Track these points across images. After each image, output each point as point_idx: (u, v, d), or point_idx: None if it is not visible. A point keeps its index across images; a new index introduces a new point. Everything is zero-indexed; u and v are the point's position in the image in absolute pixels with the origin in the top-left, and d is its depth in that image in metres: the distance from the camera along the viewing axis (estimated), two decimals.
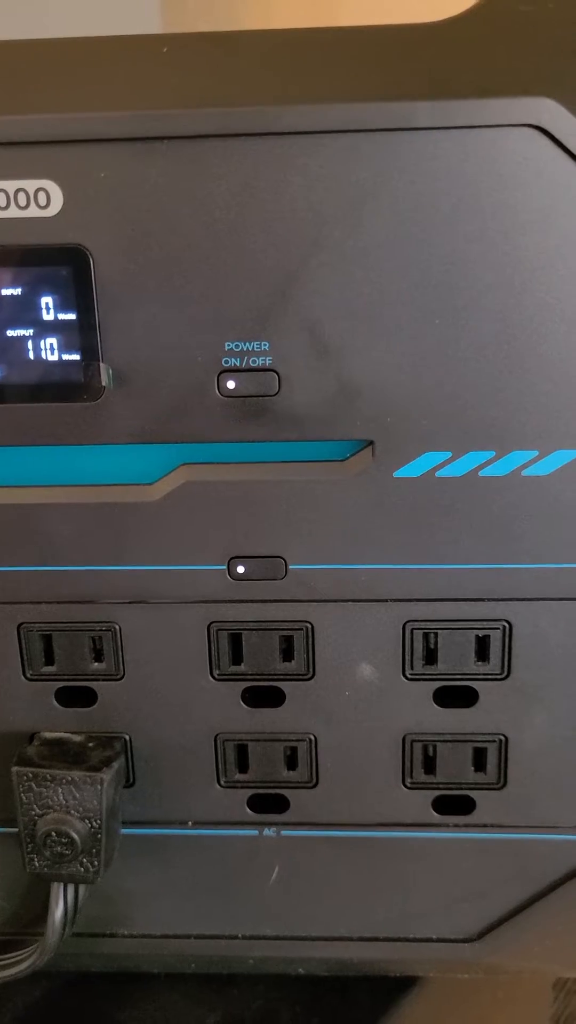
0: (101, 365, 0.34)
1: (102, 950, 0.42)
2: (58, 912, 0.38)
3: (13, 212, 0.32)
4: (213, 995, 0.44)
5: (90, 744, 0.38)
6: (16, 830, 0.39)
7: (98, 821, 0.36)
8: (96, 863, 0.37)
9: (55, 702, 0.38)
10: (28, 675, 0.38)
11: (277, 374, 0.34)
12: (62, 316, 0.34)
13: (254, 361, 0.34)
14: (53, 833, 0.36)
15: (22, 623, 0.37)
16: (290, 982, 0.44)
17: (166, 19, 1.15)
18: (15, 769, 0.36)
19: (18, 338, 0.34)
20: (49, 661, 0.38)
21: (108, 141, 0.32)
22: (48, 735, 0.38)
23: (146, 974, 0.44)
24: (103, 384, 0.34)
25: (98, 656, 0.38)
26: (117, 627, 0.37)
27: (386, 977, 0.44)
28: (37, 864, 0.37)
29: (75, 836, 0.36)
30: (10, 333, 0.34)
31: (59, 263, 0.33)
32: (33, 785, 0.36)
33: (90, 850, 0.37)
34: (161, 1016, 0.44)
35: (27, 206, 0.32)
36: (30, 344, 0.34)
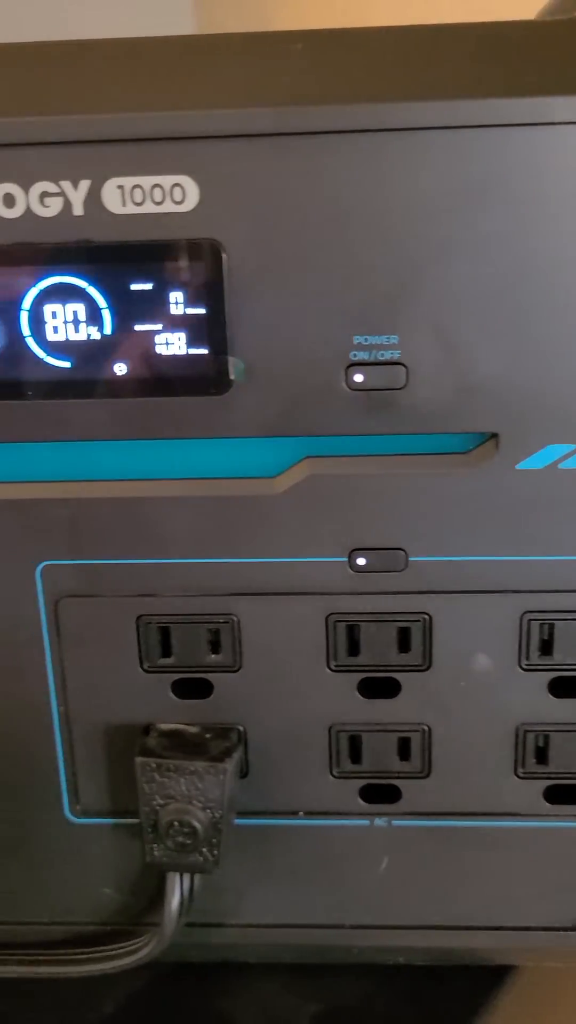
0: (230, 359, 0.34)
1: (208, 940, 0.42)
2: (175, 902, 0.38)
3: (148, 207, 0.33)
4: (309, 985, 0.44)
5: (207, 735, 0.38)
6: (126, 821, 0.40)
7: (219, 811, 0.37)
8: (215, 853, 0.37)
9: (171, 694, 0.38)
10: (145, 667, 0.38)
11: (405, 367, 0.34)
12: (191, 310, 0.34)
13: (383, 354, 0.34)
14: (176, 823, 0.37)
15: (141, 615, 0.37)
16: (381, 971, 0.45)
17: (199, 19, 1.15)
18: (139, 760, 0.37)
19: (148, 332, 0.34)
20: (166, 653, 0.38)
21: (244, 137, 0.32)
22: (164, 726, 0.38)
23: (239, 964, 0.45)
24: (231, 378, 0.34)
25: (215, 648, 0.38)
26: (236, 619, 0.37)
27: (482, 966, 0.44)
28: (157, 854, 0.37)
29: (197, 826, 0.36)
30: (141, 327, 0.34)
31: (192, 257, 0.33)
32: (156, 775, 0.37)
33: (210, 840, 0.37)
34: (260, 1006, 0.44)
35: (162, 201, 0.33)
36: (159, 338, 0.34)
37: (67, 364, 0.35)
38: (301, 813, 0.40)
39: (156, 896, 0.41)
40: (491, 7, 0.45)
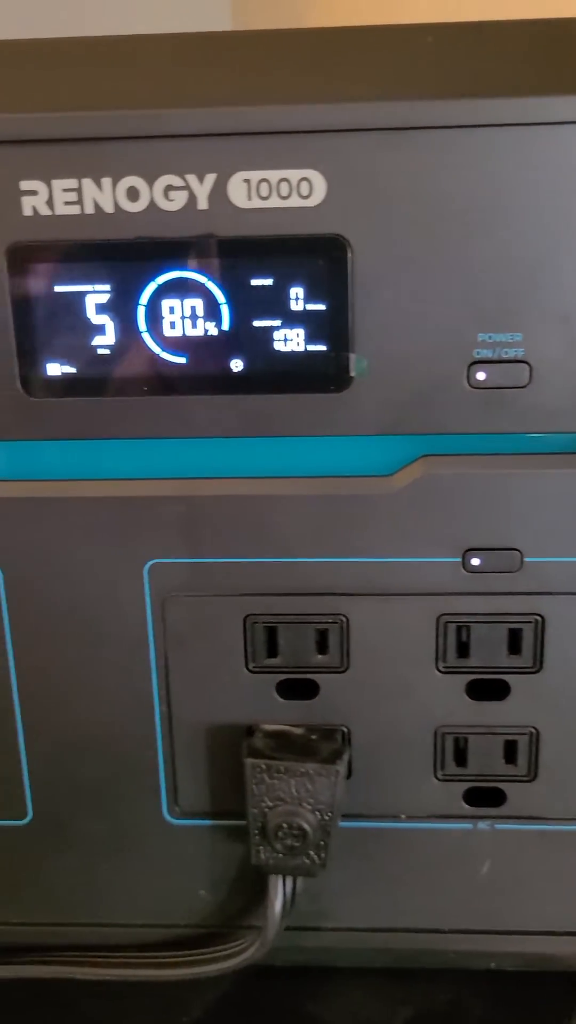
0: (351, 355, 0.34)
1: (303, 943, 0.41)
2: (278, 905, 0.38)
3: (274, 202, 0.32)
4: (399, 989, 0.44)
5: (313, 737, 0.38)
6: (224, 822, 0.40)
7: (329, 814, 0.36)
8: (322, 856, 0.37)
9: (276, 694, 0.38)
10: (251, 667, 0.38)
11: (529, 365, 0.33)
12: (312, 306, 0.33)
13: (506, 352, 0.33)
14: (285, 825, 0.36)
15: (248, 615, 0.37)
16: (469, 976, 0.44)
17: (235, 16, 1.15)
18: (249, 761, 0.36)
19: (266, 328, 0.34)
20: (272, 653, 0.38)
21: (374, 131, 0.31)
22: (269, 727, 0.38)
23: (324, 967, 0.44)
24: (352, 374, 0.34)
25: (322, 648, 0.37)
26: (344, 619, 0.37)
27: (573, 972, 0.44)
28: (264, 856, 0.37)
29: (307, 828, 0.36)
30: (260, 323, 0.34)
31: (318, 253, 0.33)
32: (266, 777, 0.36)
33: (318, 843, 0.37)
34: (351, 1010, 0.44)
35: (289, 196, 0.32)
36: (278, 334, 0.34)
37: (183, 360, 0.34)
38: (403, 816, 0.39)
39: (251, 898, 0.41)
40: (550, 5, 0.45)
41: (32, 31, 0.37)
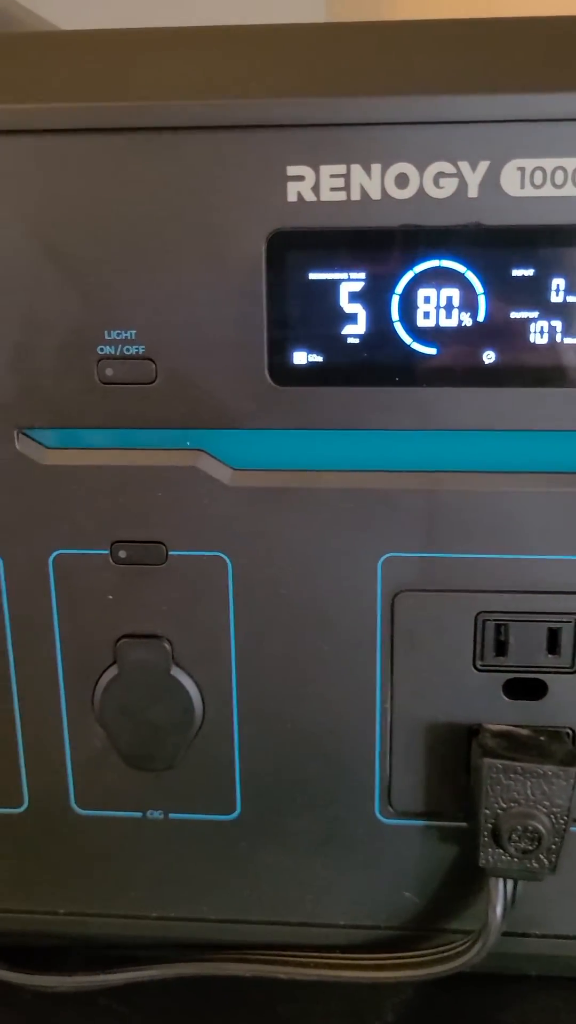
0: None
1: (511, 950, 0.41)
2: (499, 908, 0.37)
3: (547, 191, 0.32)
4: None
5: (542, 738, 0.37)
6: (436, 823, 0.39)
7: (564, 818, 0.36)
8: (552, 860, 0.36)
9: (503, 694, 0.37)
10: (479, 665, 0.37)
11: None
12: (572, 298, 0.33)
13: None
14: (519, 828, 0.35)
15: (480, 612, 0.36)
16: None
17: (329, 8, 1.14)
18: (487, 760, 0.35)
19: (523, 320, 0.33)
20: (501, 652, 0.37)
21: None
22: (495, 727, 0.37)
23: (513, 975, 0.43)
24: None
25: (552, 648, 0.37)
26: None
27: None
28: (493, 859, 0.36)
29: (543, 832, 0.35)
30: (517, 315, 0.33)
31: None
32: (501, 778, 0.35)
33: (550, 847, 0.36)
34: (542, 1018, 0.43)
35: (563, 184, 0.32)
36: (534, 326, 0.33)
37: (433, 351, 0.34)
38: None
39: (458, 902, 0.40)
40: None
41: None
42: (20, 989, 0.44)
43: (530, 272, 0.33)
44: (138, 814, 0.40)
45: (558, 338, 0.33)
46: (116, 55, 0.35)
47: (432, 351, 0.34)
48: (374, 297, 0.33)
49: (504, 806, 0.36)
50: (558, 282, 0.33)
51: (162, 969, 0.42)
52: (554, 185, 0.32)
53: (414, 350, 0.34)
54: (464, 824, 0.39)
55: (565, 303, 0.33)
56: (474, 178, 0.32)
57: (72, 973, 0.44)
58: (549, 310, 0.33)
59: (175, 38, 0.35)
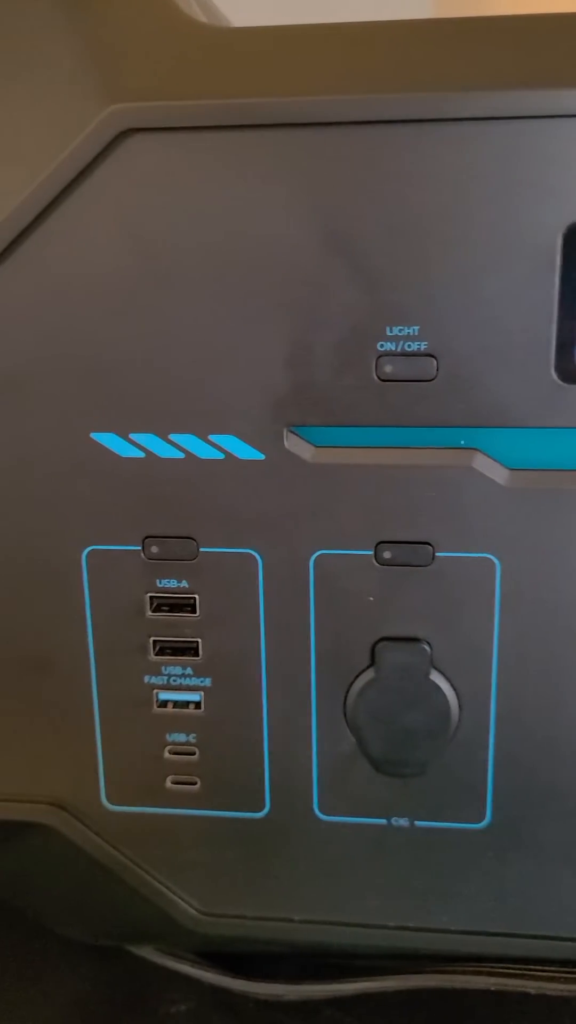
0: None
1: None
2: None
3: None
4: None
5: None
6: None
7: None
8: None
9: None
10: None
11: None
12: None
13: None
14: None
15: None
16: None
17: (438, 3, 1.13)
18: None
19: None
20: None
21: None
22: None
23: None
24: None
25: None
26: None
27: None
28: None
29: None
30: None
31: None
32: None
33: None
34: None
35: None
36: None
37: None
38: None
39: None
40: None
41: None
42: (243, 997, 0.44)
43: None
44: (383, 821, 0.39)
45: None
46: (381, 47, 0.35)
47: None
48: None
49: None
50: None
51: (401, 980, 0.41)
52: None
53: None
54: None
55: None
56: None
57: (298, 982, 0.43)
58: None
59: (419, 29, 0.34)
